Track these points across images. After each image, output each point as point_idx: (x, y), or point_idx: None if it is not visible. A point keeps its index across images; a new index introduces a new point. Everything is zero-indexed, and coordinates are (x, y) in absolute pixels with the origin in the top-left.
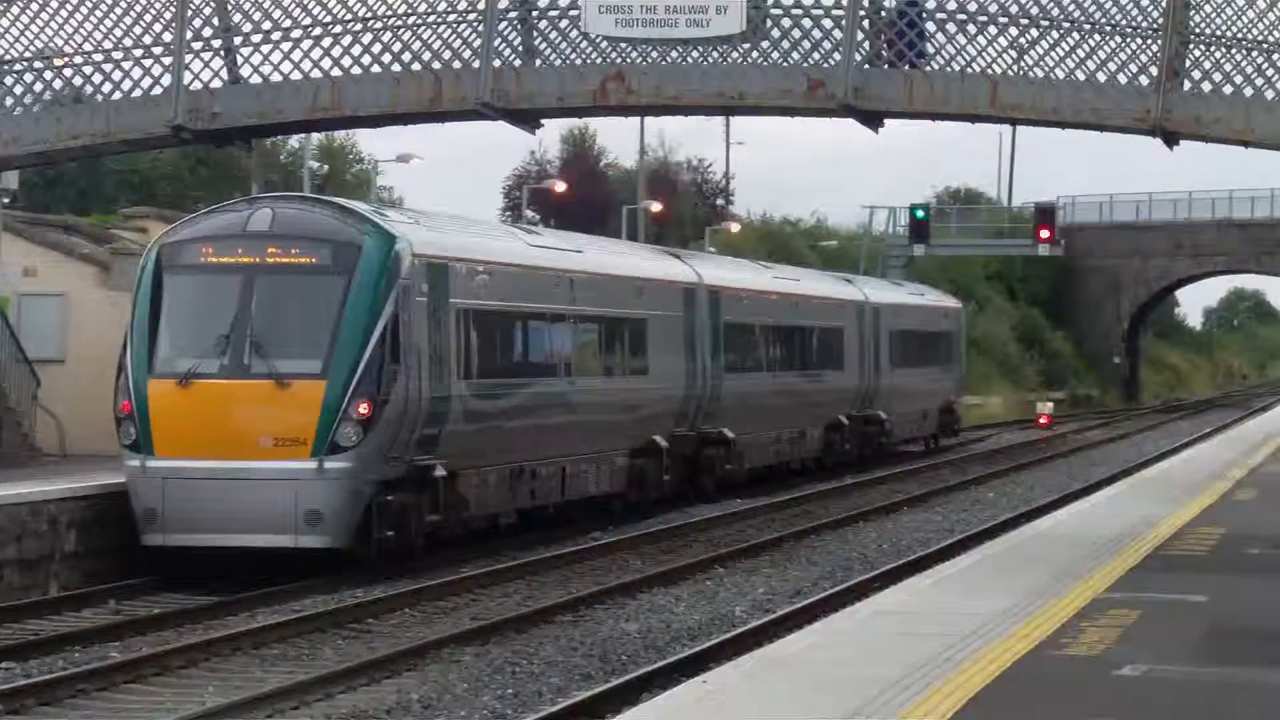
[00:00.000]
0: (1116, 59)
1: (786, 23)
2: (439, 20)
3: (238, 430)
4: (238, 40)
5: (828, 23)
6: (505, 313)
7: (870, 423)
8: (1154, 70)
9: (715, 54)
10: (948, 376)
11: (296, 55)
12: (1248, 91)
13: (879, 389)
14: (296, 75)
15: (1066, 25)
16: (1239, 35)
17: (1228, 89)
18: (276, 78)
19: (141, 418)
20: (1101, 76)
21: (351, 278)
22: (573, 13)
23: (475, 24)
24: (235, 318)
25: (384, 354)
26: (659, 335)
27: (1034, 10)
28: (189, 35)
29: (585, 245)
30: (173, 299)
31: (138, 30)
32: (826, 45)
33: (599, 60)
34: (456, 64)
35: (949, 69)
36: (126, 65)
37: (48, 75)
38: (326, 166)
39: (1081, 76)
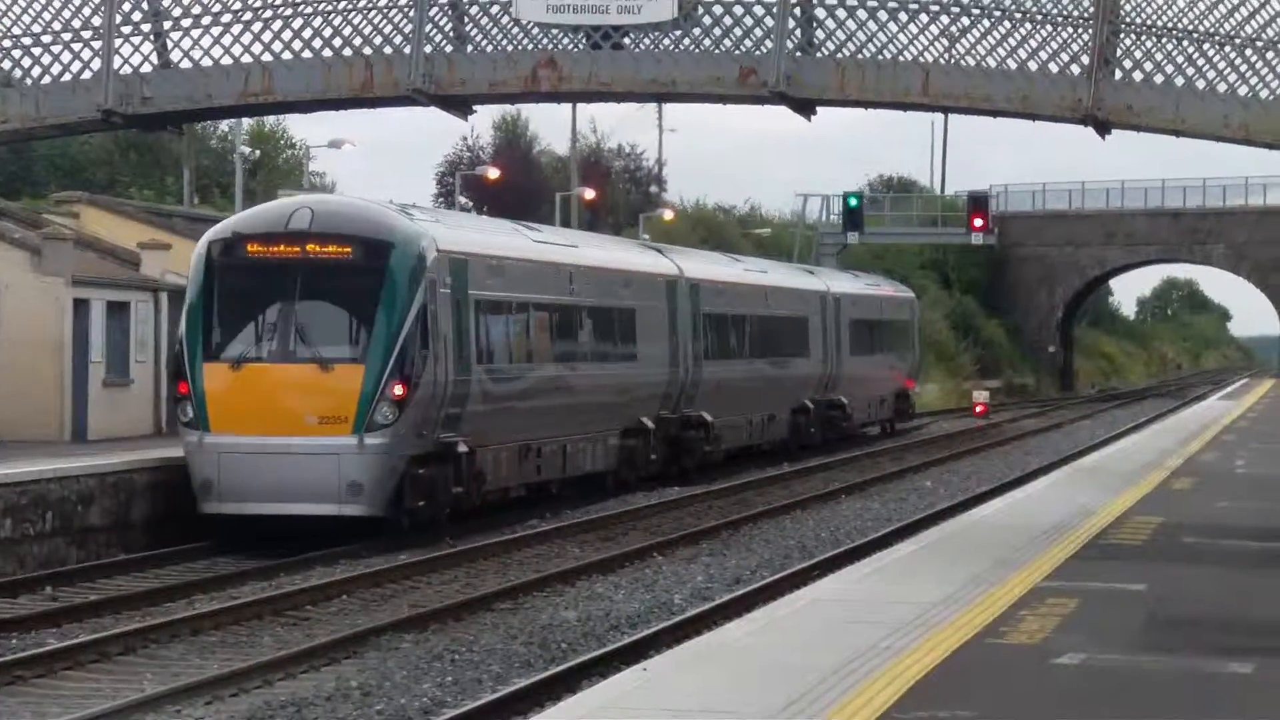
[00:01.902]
0: (1048, 48)
1: (718, 10)
2: (370, 5)
3: (285, 409)
4: (168, 25)
5: (759, 10)
6: (515, 303)
7: (833, 407)
8: (1085, 59)
9: (647, 41)
10: (903, 363)
11: (227, 40)
12: (1178, 81)
13: (840, 375)
14: (227, 60)
15: (998, 14)
16: (1169, 25)
17: (1159, 78)
18: (207, 63)
19: (197, 398)
20: (1033, 65)
21: (385, 272)
22: None
23: (406, 9)
24: (281, 307)
25: (415, 341)
26: (646, 324)
27: None
28: (119, 19)
29: (580, 240)
30: (223, 290)
31: (67, 14)
32: (758, 33)
33: (530, 47)
34: (388, 50)
35: (880, 57)
36: (56, 49)
37: None
38: (258, 151)
39: (1013, 65)
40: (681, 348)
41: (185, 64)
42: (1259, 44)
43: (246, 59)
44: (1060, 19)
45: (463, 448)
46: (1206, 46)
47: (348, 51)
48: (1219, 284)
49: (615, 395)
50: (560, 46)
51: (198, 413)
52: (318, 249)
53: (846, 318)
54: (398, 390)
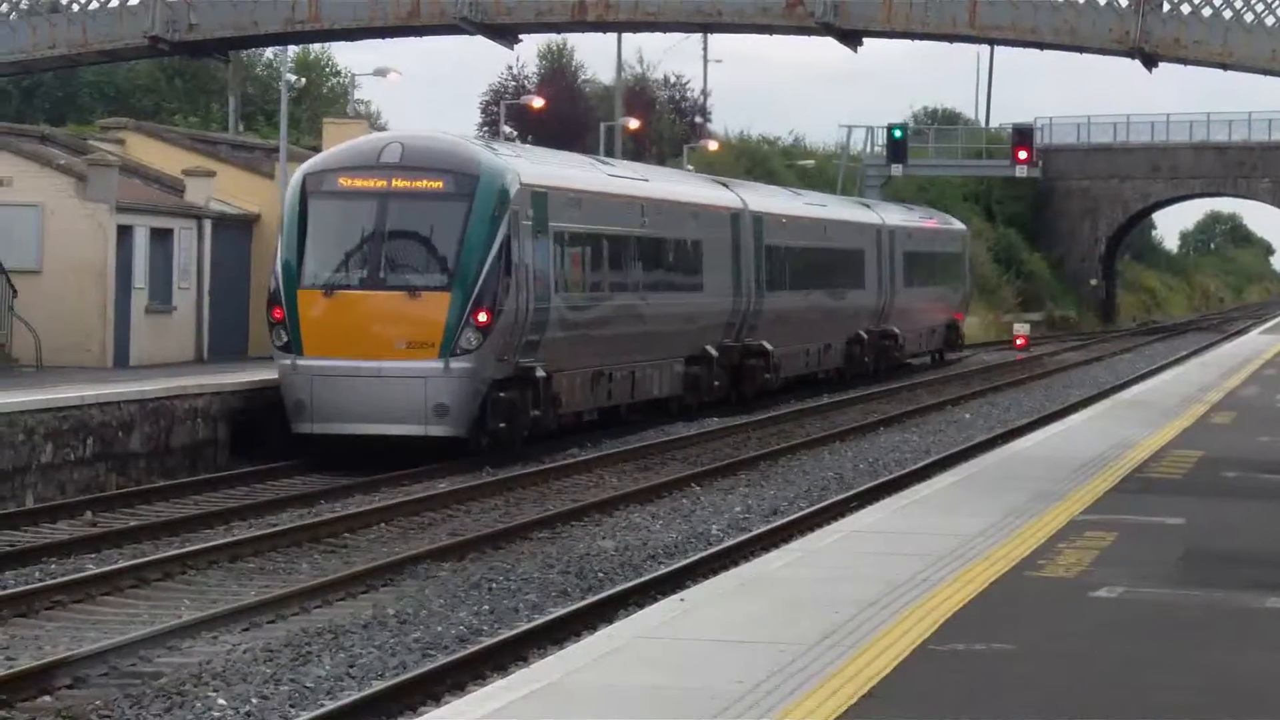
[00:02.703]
0: None
1: None
2: None
3: (375, 334)
4: None
5: None
6: (591, 234)
7: (885, 337)
8: None
9: None
10: (954, 295)
11: None
12: (1226, 14)
13: (893, 307)
14: None
15: None
16: None
17: (1206, 11)
18: None
19: (292, 323)
20: None
21: (471, 204)
22: None
23: None
24: (372, 237)
25: (499, 270)
26: (712, 255)
27: None
28: None
29: (650, 174)
30: (317, 221)
31: None
32: None
33: None
34: None
35: None
36: None
37: None
38: (303, 79)
39: None
40: (745, 278)
41: None
42: None
43: None
44: None
45: (540, 373)
46: None
47: None
48: (1263, 218)
49: (682, 324)
50: None
51: (292, 338)
52: (407, 182)
53: (900, 250)
54: (482, 317)
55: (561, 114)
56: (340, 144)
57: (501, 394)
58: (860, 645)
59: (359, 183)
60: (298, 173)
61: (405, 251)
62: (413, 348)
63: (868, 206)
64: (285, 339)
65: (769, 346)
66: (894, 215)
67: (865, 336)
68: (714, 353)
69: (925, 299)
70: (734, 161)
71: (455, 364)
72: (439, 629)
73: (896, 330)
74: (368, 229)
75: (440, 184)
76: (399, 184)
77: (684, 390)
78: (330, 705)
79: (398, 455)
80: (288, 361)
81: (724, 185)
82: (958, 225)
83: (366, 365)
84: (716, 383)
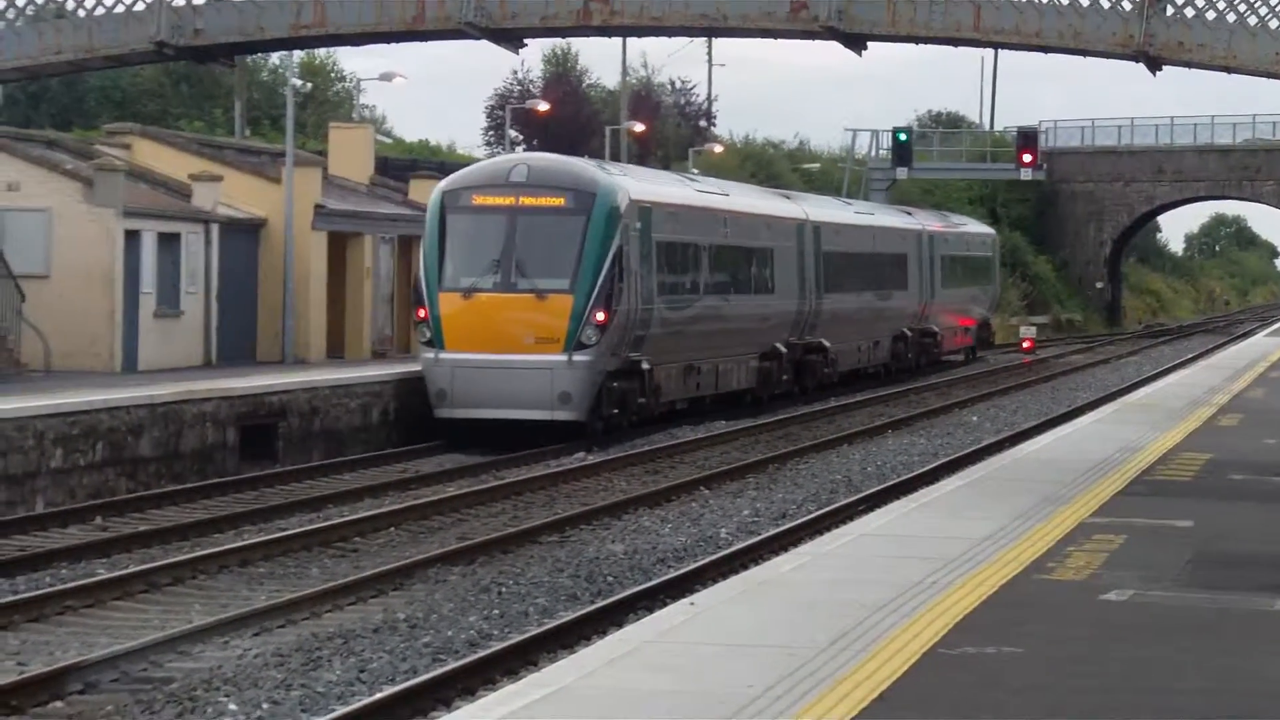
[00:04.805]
0: None
1: None
2: None
3: (507, 331)
4: None
5: None
6: (685, 244)
7: (926, 335)
8: None
9: None
10: (985, 295)
11: None
12: (1230, 17)
13: (933, 307)
14: None
15: None
16: None
17: (1211, 14)
18: None
19: (434, 322)
20: (1085, 1)
21: (589, 217)
22: None
23: None
24: (504, 246)
25: (614, 275)
26: (781, 261)
27: None
28: None
29: (729, 189)
30: (455, 232)
31: None
32: None
33: None
34: None
35: None
36: None
37: None
38: (309, 84)
39: (1065, 1)
40: (807, 282)
41: None
42: None
43: None
44: None
45: (645, 365)
46: None
47: None
48: (1268, 220)
49: (758, 323)
50: None
51: (435, 334)
52: (533, 199)
53: (938, 254)
54: (600, 316)
55: (566, 118)
56: (471, 166)
57: (614, 384)
58: (871, 649)
59: (491, 199)
60: (436, 190)
61: (532, 259)
62: (540, 343)
63: (909, 214)
64: (428, 335)
65: (827, 344)
66: (932, 221)
67: (909, 334)
68: (783, 349)
69: (960, 299)
70: (739, 165)
71: (577, 357)
72: (449, 633)
73: (935, 329)
74: (499, 239)
75: (562, 200)
76: (526, 201)
77: (757, 383)
78: (341, 710)
79: (521, 436)
80: (431, 355)
81: (787, 198)
82: (987, 230)
83: (500, 358)
84: (785, 377)
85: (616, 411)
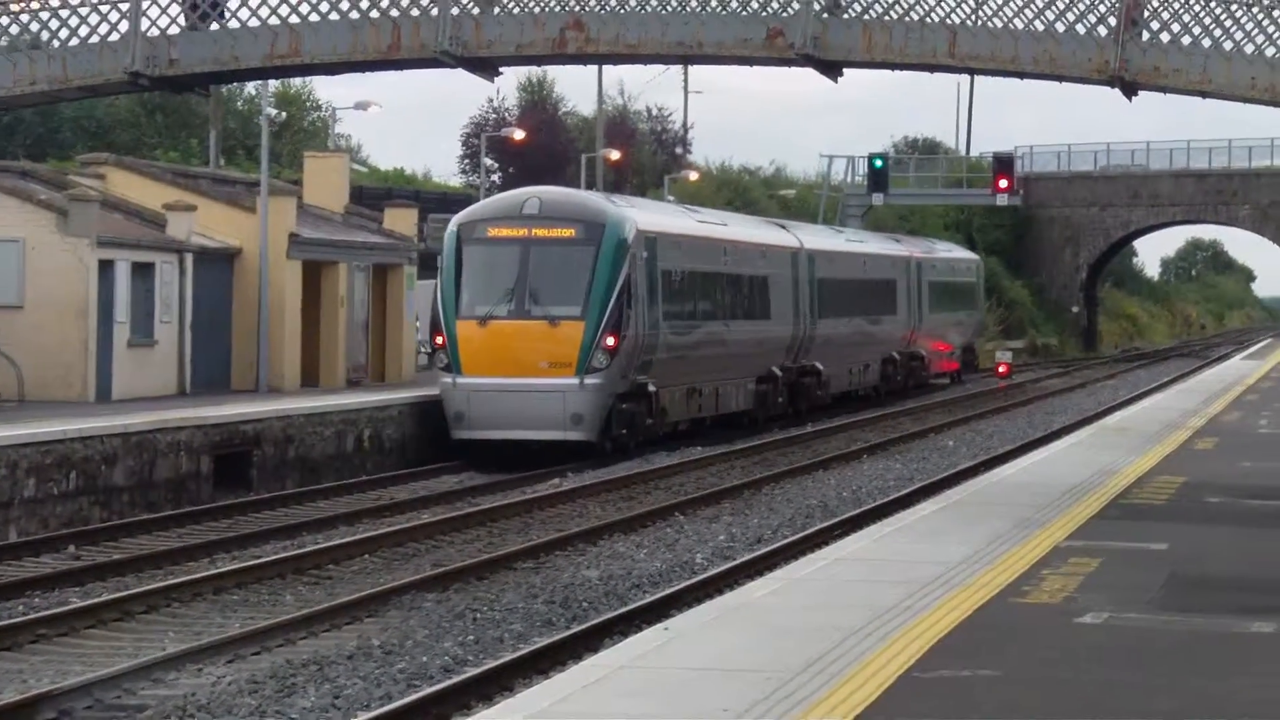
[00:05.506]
0: (1075, 9)
1: None
2: None
3: (522, 356)
4: None
5: None
6: (688, 272)
7: (914, 358)
8: (1112, 20)
9: (674, 3)
10: (971, 320)
11: (254, 2)
12: (1205, 42)
13: (921, 331)
14: (254, 22)
15: None
16: None
17: (1186, 39)
18: (234, 24)
19: (452, 348)
20: (1060, 26)
21: (599, 248)
22: None
23: None
24: (518, 276)
25: (622, 302)
26: (777, 288)
27: None
28: None
29: (729, 219)
30: (470, 263)
31: None
32: None
33: (558, 8)
34: (415, 11)
35: (908, 18)
36: (84, 11)
37: (4, 21)
38: (284, 114)
39: (1040, 26)
40: (801, 308)
41: (212, 25)
42: None
43: (274, 20)
44: None
45: (652, 387)
46: (1234, 7)
47: (375, 13)
48: (1243, 245)
49: (756, 347)
50: (587, 8)
51: (452, 359)
52: (545, 230)
53: (925, 280)
54: (609, 341)
55: (542, 146)
56: (485, 199)
57: (623, 405)
58: (846, 673)
59: (505, 231)
60: (452, 223)
61: (545, 287)
62: (553, 367)
63: (897, 241)
64: (446, 361)
65: (820, 367)
66: (919, 248)
67: (898, 358)
68: (779, 372)
69: (946, 324)
70: (715, 192)
71: (588, 380)
72: (424, 659)
73: (923, 352)
74: (513, 269)
75: (572, 231)
76: (538, 232)
77: (754, 405)
78: None
79: (533, 457)
80: (449, 380)
81: (783, 227)
82: (972, 256)
83: (515, 382)
84: (780, 399)
85: (625, 431)
